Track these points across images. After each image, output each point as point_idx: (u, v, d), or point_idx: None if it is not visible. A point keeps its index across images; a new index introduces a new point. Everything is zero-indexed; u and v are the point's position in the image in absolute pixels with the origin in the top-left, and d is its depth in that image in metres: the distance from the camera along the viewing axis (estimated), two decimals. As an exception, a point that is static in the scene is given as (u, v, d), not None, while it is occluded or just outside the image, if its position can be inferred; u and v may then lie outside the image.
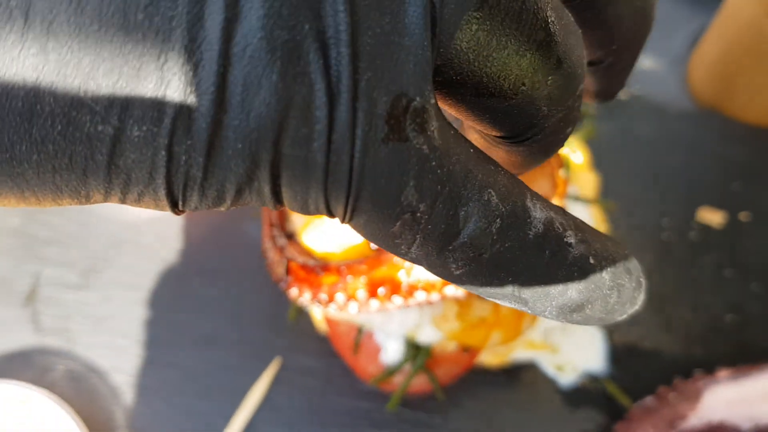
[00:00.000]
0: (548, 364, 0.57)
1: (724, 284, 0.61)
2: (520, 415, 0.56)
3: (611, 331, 0.58)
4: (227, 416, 0.55)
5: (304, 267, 0.45)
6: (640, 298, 0.22)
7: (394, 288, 0.42)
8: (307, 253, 0.47)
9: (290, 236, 0.49)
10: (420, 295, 0.42)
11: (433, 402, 0.55)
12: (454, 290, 0.42)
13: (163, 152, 0.17)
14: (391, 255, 0.42)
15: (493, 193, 0.19)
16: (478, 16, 0.18)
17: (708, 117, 0.67)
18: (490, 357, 0.55)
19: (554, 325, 0.56)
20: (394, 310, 0.47)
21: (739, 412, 0.53)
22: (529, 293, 0.21)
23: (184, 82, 0.16)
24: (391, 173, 0.18)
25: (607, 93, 0.28)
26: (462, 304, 0.48)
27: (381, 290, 0.42)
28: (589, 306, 0.21)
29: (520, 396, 0.56)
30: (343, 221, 0.19)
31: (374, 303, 0.43)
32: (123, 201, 0.18)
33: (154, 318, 0.58)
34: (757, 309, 0.60)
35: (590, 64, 0.26)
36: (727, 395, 0.53)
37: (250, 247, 0.60)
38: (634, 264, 0.22)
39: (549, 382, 0.57)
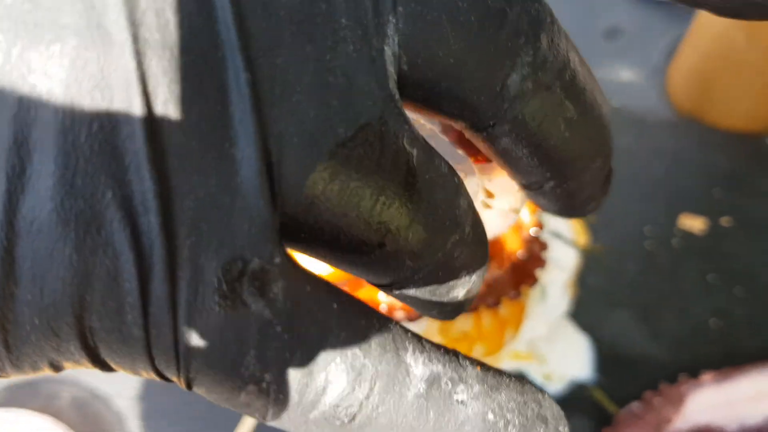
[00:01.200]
0: (535, 374, 0.59)
1: (708, 289, 0.62)
2: (510, 424, 0.57)
3: (597, 339, 0.60)
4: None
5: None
6: None
7: (374, 308, 0.44)
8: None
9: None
10: (399, 314, 0.44)
11: (424, 415, 0.57)
12: (431, 308, 0.44)
13: None
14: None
15: (359, 353, 0.18)
16: (324, 175, 0.17)
17: (688, 125, 0.69)
18: (477, 369, 0.57)
19: (539, 335, 0.57)
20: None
21: (724, 414, 0.54)
22: None
23: None
24: (225, 344, 0.17)
25: (569, 213, 0.25)
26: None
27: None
28: None
29: (510, 406, 0.58)
30: (185, 388, 0.18)
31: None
32: None
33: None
34: (742, 313, 0.61)
35: (528, 187, 0.23)
36: (711, 398, 0.55)
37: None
38: (551, 411, 0.20)
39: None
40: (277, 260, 0.17)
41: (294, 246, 0.19)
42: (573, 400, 0.58)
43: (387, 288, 0.21)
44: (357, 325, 0.19)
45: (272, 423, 0.18)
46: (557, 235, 0.59)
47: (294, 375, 0.17)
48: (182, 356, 0.17)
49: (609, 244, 0.63)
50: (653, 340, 0.60)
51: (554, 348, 0.59)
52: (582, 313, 0.60)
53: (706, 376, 0.56)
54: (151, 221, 0.16)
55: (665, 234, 0.64)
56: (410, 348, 0.19)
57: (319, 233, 0.18)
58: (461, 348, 0.50)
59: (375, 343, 0.18)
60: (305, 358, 0.17)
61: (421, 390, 0.19)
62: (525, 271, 0.50)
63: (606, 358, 0.60)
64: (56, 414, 0.57)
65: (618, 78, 0.72)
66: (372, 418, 0.18)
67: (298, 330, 0.17)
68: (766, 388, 0.55)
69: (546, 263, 0.51)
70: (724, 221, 0.65)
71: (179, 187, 0.16)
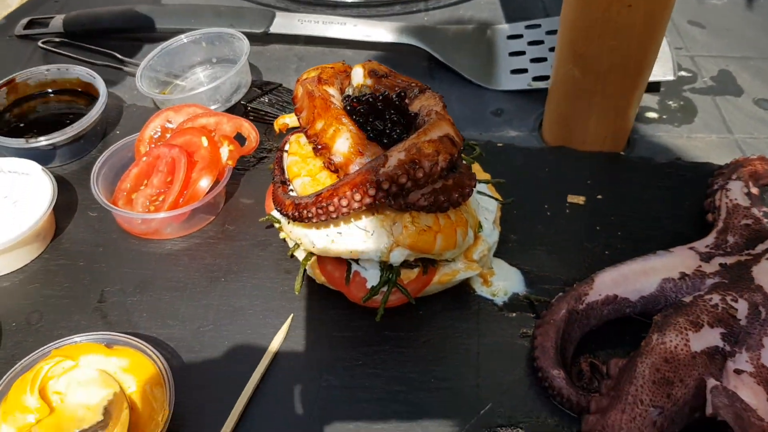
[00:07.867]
0: (485, 293, 0.79)
1: (597, 235, 0.86)
2: (472, 324, 0.76)
3: (524, 269, 0.81)
4: (258, 359, 0.72)
5: (310, 201, 0.69)
6: None
7: (367, 183, 0.66)
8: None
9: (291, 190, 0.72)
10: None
11: (408, 323, 0.75)
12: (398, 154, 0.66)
13: None
14: (364, 169, 0.67)
15: None
16: None
17: (559, 151, 0.98)
18: (443, 277, 0.76)
19: (483, 252, 0.78)
20: (371, 221, 0.70)
21: (625, 287, 0.74)
22: None
23: None
24: None
25: None
26: (413, 215, 0.71)
27: (359, 187, 0.66)
28: None
29: (470, 314, 0.77)
30: None
31: (357, 196, 0.66)
32: None
33: (196, 305, 0.78)
34: (624, 246, 0.84)
35: None
36: (612, 275, 0.76)
37: (262, 253, 0.82)
38: None
39: (488, 302, 0.78)
40: None
41: None
42: (516, 304, 0.78)
43: None
44: None
45: None
46: (480, 192, 0.83)
47: None
48: None
49: (522, 217, 0.88)
50: (566, 268, 0.82)
51: (496, 277, 0.80)
52: (508, 252, 0.83)
53: (608, 267, 0.77)
54: None
55: (559, 207, 0.89)
56: None
57: None
58: (428, 237, 0.71)
59: None
60: None
61: None
62: (463, 183, 0.73)
63: (533, 279, 0.81)
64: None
65: (508, 134, 1.02)
66: None
67: None
68: (651, 266, 0.76)
69: (475, 178, 0.74)
70: (599, 197, 0.90)
71: None
